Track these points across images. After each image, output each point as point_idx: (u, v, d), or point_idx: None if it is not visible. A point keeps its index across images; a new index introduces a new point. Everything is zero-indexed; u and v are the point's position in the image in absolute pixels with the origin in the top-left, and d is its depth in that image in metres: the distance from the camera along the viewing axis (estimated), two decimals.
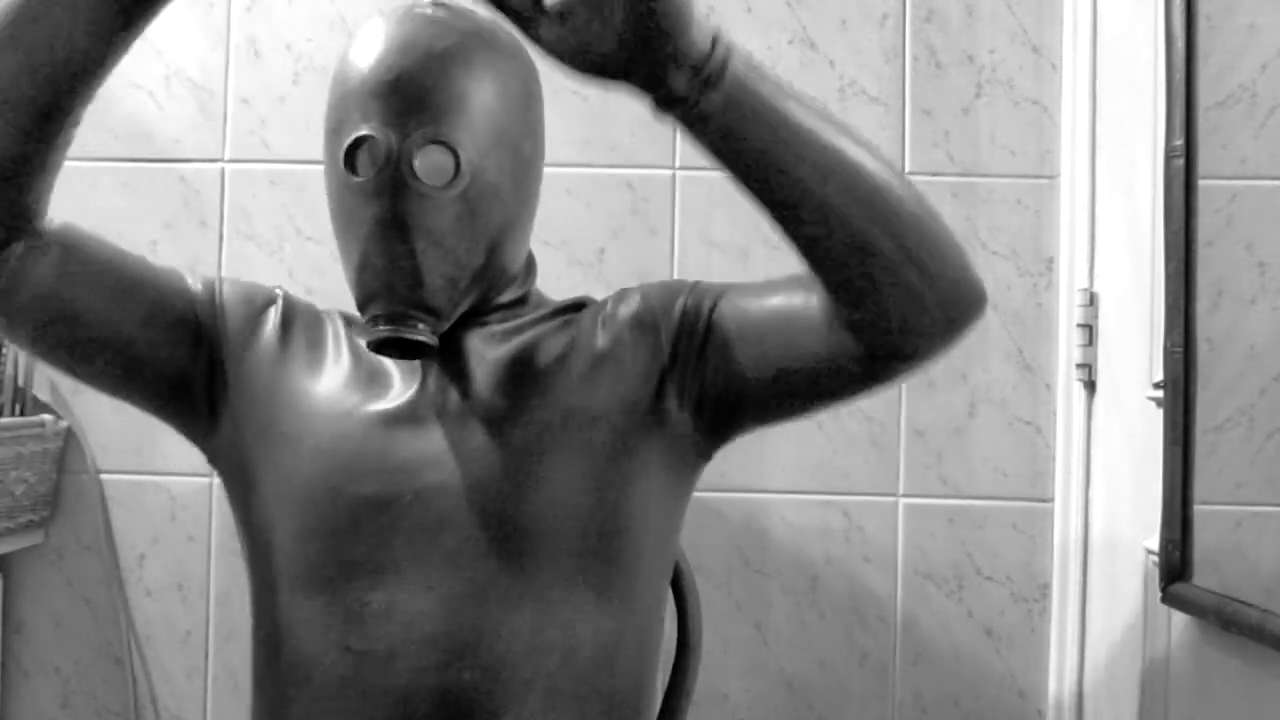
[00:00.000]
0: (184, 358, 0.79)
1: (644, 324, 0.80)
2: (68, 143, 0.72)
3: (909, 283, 0.65)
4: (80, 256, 0.75)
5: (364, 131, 0.71)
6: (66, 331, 0.74)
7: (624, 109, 1.25)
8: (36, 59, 0.66)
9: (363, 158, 0.73)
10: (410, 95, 0.71)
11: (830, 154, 0.64)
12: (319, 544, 0.75)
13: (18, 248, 0.72)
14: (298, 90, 1.26)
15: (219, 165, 1.27)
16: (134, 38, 0.70)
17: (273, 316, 0.83)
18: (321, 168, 1.26)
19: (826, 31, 1.24)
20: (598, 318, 0.82)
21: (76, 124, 0.72)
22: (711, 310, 0.78)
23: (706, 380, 0.77)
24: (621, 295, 0.83)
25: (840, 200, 0.64)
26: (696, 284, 0.81)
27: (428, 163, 0.72)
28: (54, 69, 0.67)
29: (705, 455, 0.82)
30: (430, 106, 0.71)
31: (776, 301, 0.74)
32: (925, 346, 0.68)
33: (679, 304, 0.79)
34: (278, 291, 0.85)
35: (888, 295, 0.66)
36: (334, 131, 0.74)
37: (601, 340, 0.80)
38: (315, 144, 1.26)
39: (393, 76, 0.71)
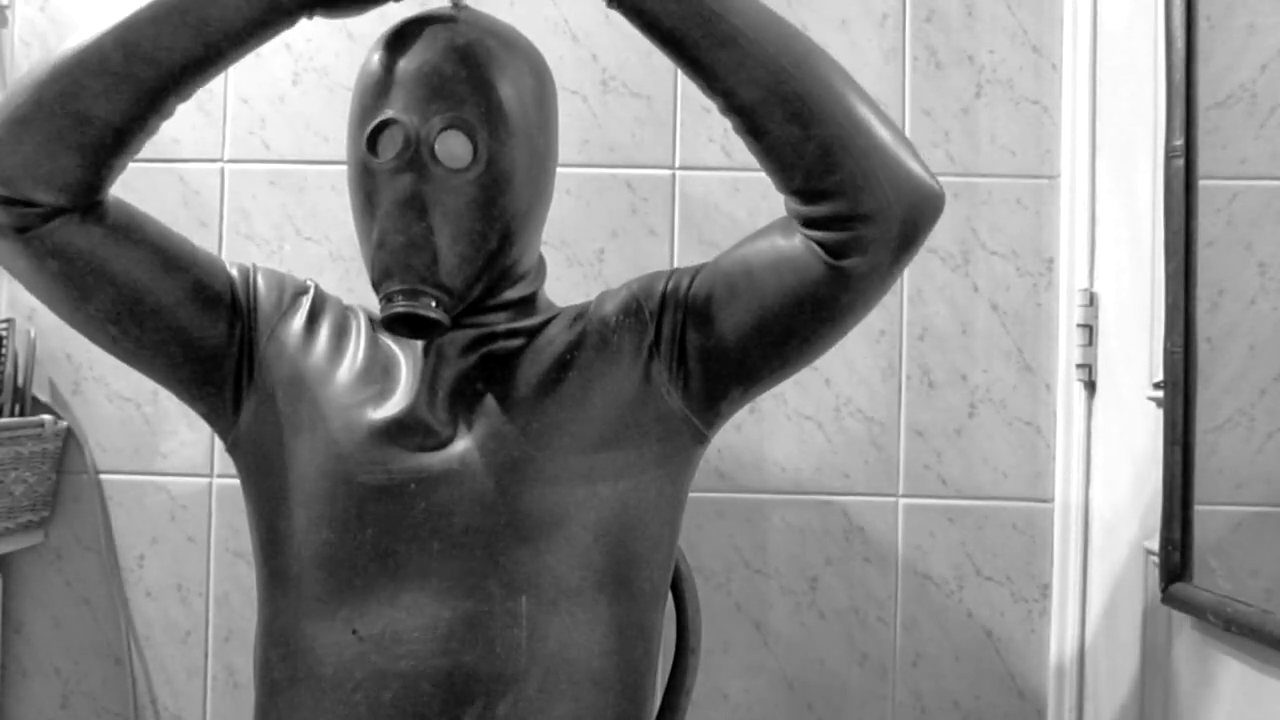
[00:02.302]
0: (220, 336, 0.82)
1: (630, 310, 0.83)
2: (154, 131, 0.77)
3: (858, 150, 0.71)
4: (130, 228, 0.78)
5: (388, 116, 0.76)
6: (110, 300, 0.77)
7: (624, 109, 1.25)
8: (195, 35, 0.73)
9: (385, 141, 0.77)
10: (433, 84, 0.76)
11: (760, 13, 0.73)
12: (328, 532, 0.78)
13: (75, 215, 0.76)
14: (297, 90, 1.26)
15: (218, 165, 1.27)
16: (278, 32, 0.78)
17: (303, 306, 0.86)
18: (321, 168, 1.26)
19: (826, 31, 1.24)
20: (591, 315, 0.84)
21: (170, 115, 0.77)
22: (690, 284, 0.81)
23: (689, 352, 0.80)
24: (613, 291, 0.87)
25: (778, 57, 0.72)
26: (678, 269, 0.85)
27: (446, 147, 0.76)
28: (201, 49, 0.73)
29: (700, 438, 0.83)
30: (451, 95, 0.76)
31: (745, 252, 0.79)
32: (883, 232, 0.72)
33: (661, 286, 0.83)
34: (310, 283, 0.89)
35: (839, 166, 0.71)
36: (359, 118, 0.79)
37: (595, 335, 0.82)
38: (315, 144, 1.26)
39: (416, 66, 0.76)
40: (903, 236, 0.73)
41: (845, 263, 0.73)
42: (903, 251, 0.74)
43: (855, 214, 0.72)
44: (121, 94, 0.73)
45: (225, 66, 0.76)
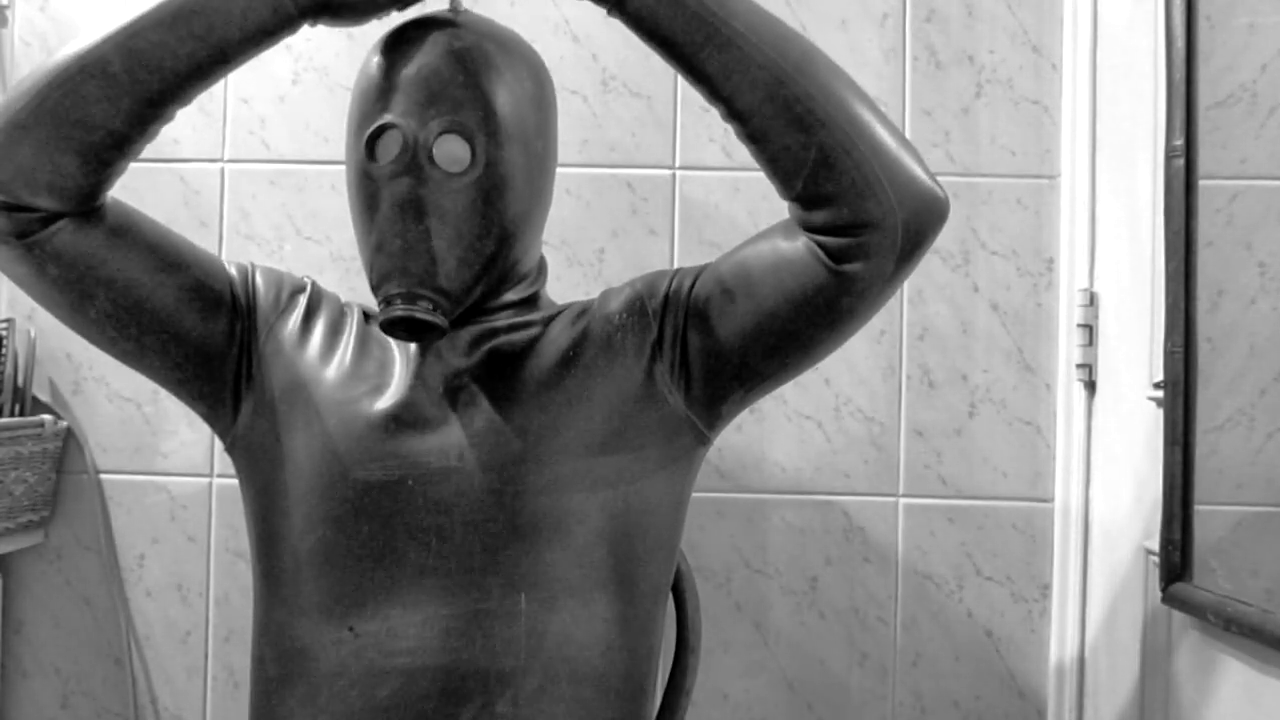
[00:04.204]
0: (220, 336, 0.82)
1: (634, 308, 0.83)
2: (154, 136, 0.77)
3: (860, 156, 0.71)
4: (129, 230, 0.78)
5: (386, 120, 0.76)
6: (111, 303, 0.77)
7: (624, 109, 1.25)
8: (199, 41, 0.73)
9: (383, 145, 0.77)
10: (430, 88, 0.76)
11: (760, 18, 0.73)
12: (324, 529, 0.77)
13: (74, 220, 0.76)
14: (297, 90, 1.26)
15: (219, 165, 1.27)
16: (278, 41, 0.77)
17: (300, 304, 0.86)
18: (321, 168, 1.26)
19: (826, 31, 1.24)
20: (595, 313, 0.84)
21: (170, 120, 0.77)
22: (693, 286, 0.81)
23: (690, 354, 0.80)
24: (617, 289, 0.86)
25: (778, 62, 0.72)
26: (682, 269, 0.84)
27: (444, 151, 0.76)
28: (204, 55, 0.73)
29: (702, 439, 0.83)
30: (448, 99, 0.76)
31: (746, 254, 0.79)
32: (886, 239, 0.72)
33: (665, 286, 0.83)
34: (306, 280, 0.89)
35: (841, 172, 0.71)
36: (357, 123, 0.78)
37: (598, 332, 0.82)
38: (315, 144, 1.26)
39: (414, 70, 0.76)
40: (906, 243, 0.72)
41: (847, 268, 0.73)
42: (906, 258, 0.73)
43: (857, 221, 0.72)
44: (123, 100, 0.72)
45: (228, 72, 0.76)
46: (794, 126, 0.72)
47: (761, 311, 0.76)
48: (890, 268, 0.73)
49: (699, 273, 0.82)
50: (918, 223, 0.72)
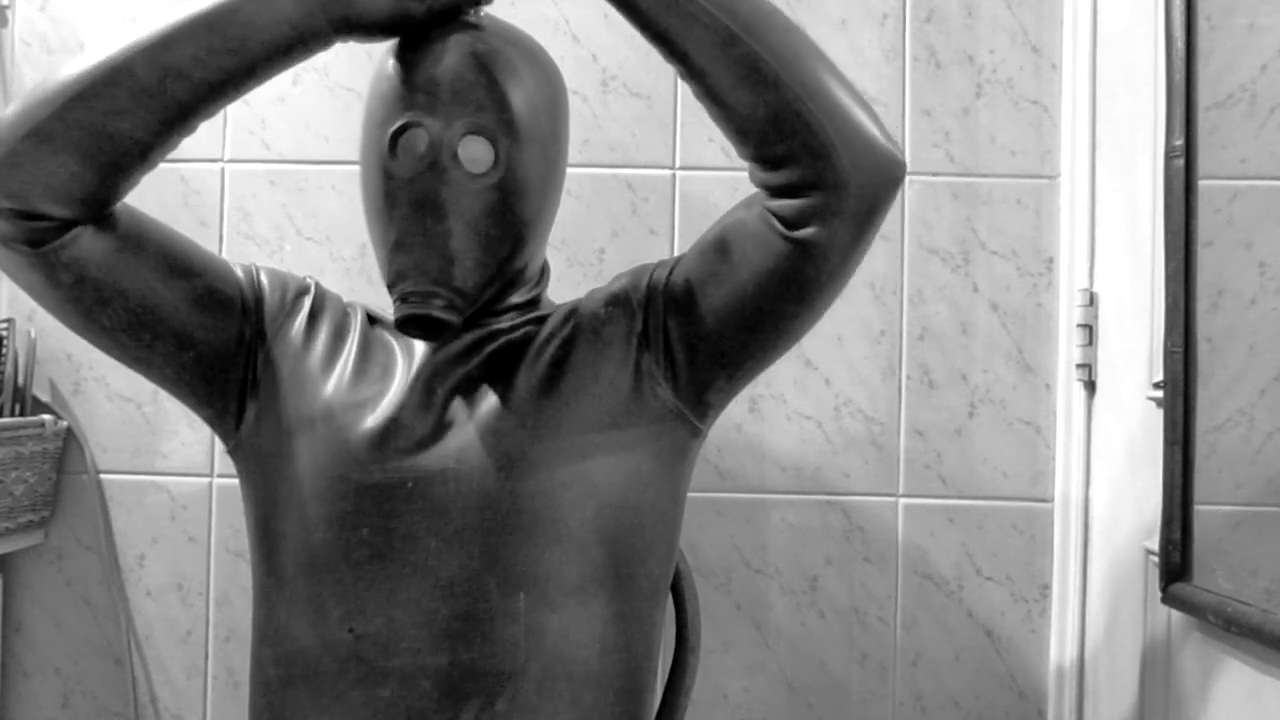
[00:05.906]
0: (229, 340, 0.82)
1: (619, 302, 0.84)
2: (175, 147, 0.77)
3: (810, 116, 0.71)
4: (141, 236, 0.78)
5: (410, 118, 0.76)
6: (124, 310, 0.77)
7: (624, 109, 1.25)
8: (231, 55, 0.73)
9: (406, 144, 0.77)
10: (455, 89, 0.76)
11: None
12: (324, 531, 0.78)
13: (88, 227, 0.75)
14: (297, 90, 1.26)
15: (219, 165, 1.27)
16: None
17: (304, 306, 0.86)
18: (321, 168, 1.26)
19: (826, 31, 1.24)
20: (583, 311, 0.85)
21: (193, 132, 0.77)
22: (670, 273, 0.82)
23: (673, 342, 0.80)
24: (603, 286, 0.87)
25: (727, 22, 0.71)
26: (664, 260, 0.85)
27: (468, 151, 0.77)
28: (235, 68, 0.73)
29: (694, 431, 0.84)
30: (473, 101, 0.76)
31: (715, 234, 0.79)
32: (839, 201, 0.71)
33: (646, 278, 0.84)
34: (310, 281, 0.89)
35: (791, 132, 0.71)
36: (380, 120, 0.79)
37: (586, 330, 0.83)
38: (315, 144, 1.26)
39: (438, 71, 0.76)
40: (860, 205, 0.72)
41: (802, 234, 0.73)
42: (862, 223, 0.73)
43: (809, 182, 0.72)
44: (151, 111, 0.72)
45: (256, 85, 0.76)
46: (744, 86, 0.72)
47: (731, 289, 0.77)
48: (846, 233, 0.72)
49: (676, 263, 0.82)
50: (872, 185, 0.72)
